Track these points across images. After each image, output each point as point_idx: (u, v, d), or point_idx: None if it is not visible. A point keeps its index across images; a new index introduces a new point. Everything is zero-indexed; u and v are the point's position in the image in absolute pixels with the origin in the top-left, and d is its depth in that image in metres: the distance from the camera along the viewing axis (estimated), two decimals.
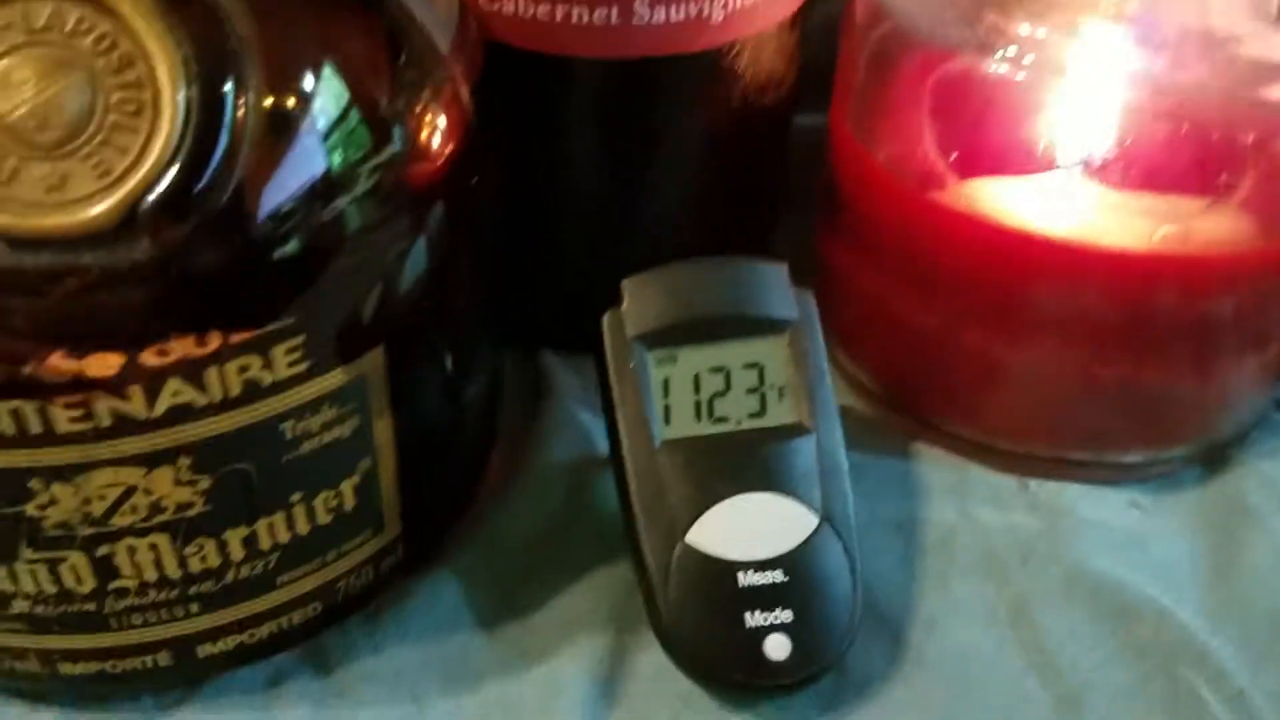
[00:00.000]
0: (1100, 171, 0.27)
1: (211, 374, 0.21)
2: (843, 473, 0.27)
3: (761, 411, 0.27)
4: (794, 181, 0.36)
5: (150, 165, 0.19)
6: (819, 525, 0.26)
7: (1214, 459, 0.31)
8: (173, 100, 0.19)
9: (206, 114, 0.19)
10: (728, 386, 0.27)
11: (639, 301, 0.27)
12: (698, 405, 0.27)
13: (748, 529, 0.26)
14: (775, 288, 0.28)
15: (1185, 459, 0.31)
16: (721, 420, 0.27)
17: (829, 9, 0.33)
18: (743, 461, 0.26)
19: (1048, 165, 0.27)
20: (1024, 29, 0.27)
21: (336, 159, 0.22)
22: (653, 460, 0.26)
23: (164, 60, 0.19)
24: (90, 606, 0.23)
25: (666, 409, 0.27)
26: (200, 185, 0.19)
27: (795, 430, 0.27)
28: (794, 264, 0.36)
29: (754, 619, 0.25)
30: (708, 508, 0.26)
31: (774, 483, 0.26)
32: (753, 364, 0.27)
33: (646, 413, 0.26)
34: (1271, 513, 0.30)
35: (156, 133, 0.19)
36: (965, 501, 0.30)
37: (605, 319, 0.27)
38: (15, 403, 0.20)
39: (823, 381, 0.27)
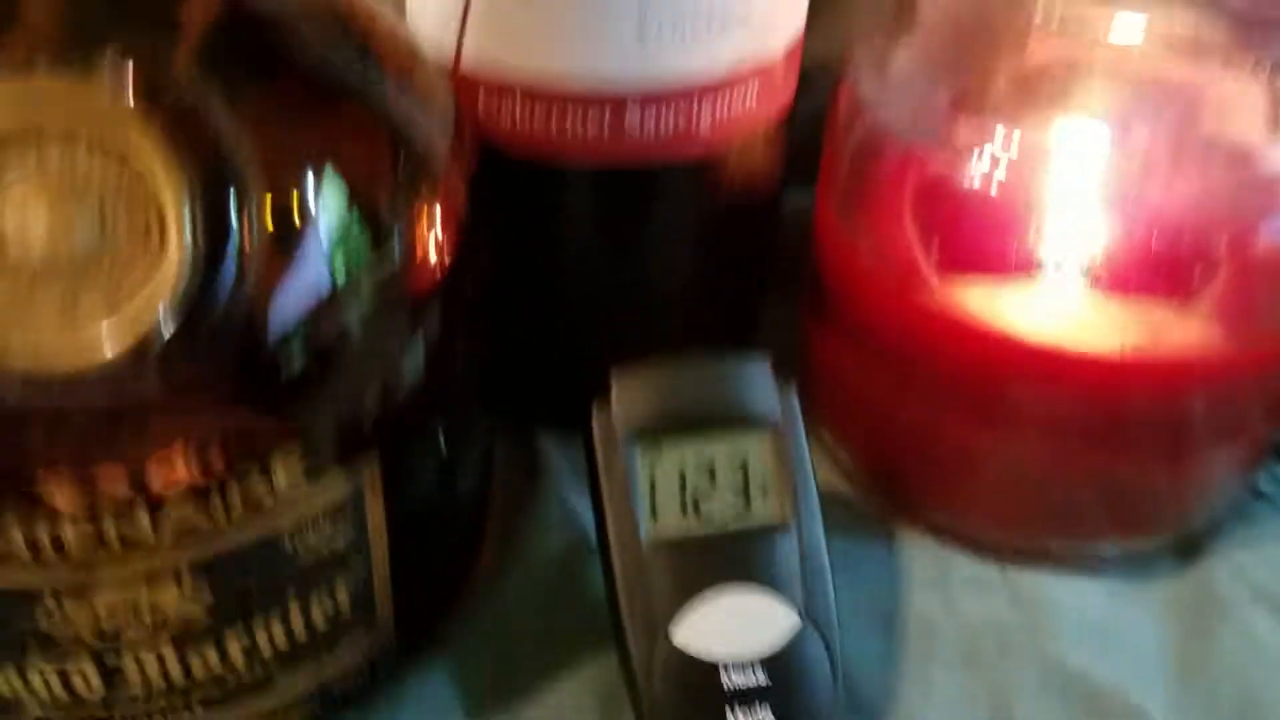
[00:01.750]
0: (1072, 276, 0.27)
1: (215, 498, 0.22)
2: (825, 571, 0.27)
3: (746, 510, 0.27)
4: (783, 257, 0.37)
5: (159, 293, 0.20)
6: (802, 626, 0.26)
7: (1188, 550, 0.32)
8: (179, 232, 0.20)
9: (212, 245, 0.20)
10: (713, 484, 0.28)
11: (626, 395, 0.28)
12: (683, 502, 0.27)
13: (731, 627, 0.26)
14: (760, 384, 0.28)
15: (1161, 549, 0.32)
16: (707, 519, 0.27)
17: (815, 100, 0.34)
18: (727, 559, 0.27)
19: (1022, 268, 0.28)
20: (998, 136, 0.27)
21: (339, 269, 0.22)
22: (638, 555, 0.27)
23: (168, 186, 0.20)
24: (99, 711, 0.24)
25: (653, 505, 0.27)
26: (207, 314, 0.20)
27: (779, 529, 0.27)
28: (781, 343, 0.37)
29: (736, 718, 0.25)
30: (691, 606, 0.26)
31: (758, 581, 0.27)
32: (738, 462, 0.28)
33: (633, 506, 0.27)
34: (1242, 604, 0.31)
35: (164, 259, 0.20)
36: (948, 590, 0.31)
37: (594, 410, 0.28)
38: (29, 527, 0.21)
39: (806, 479, 0.28)
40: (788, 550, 0.27)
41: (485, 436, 0.31)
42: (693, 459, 0.28)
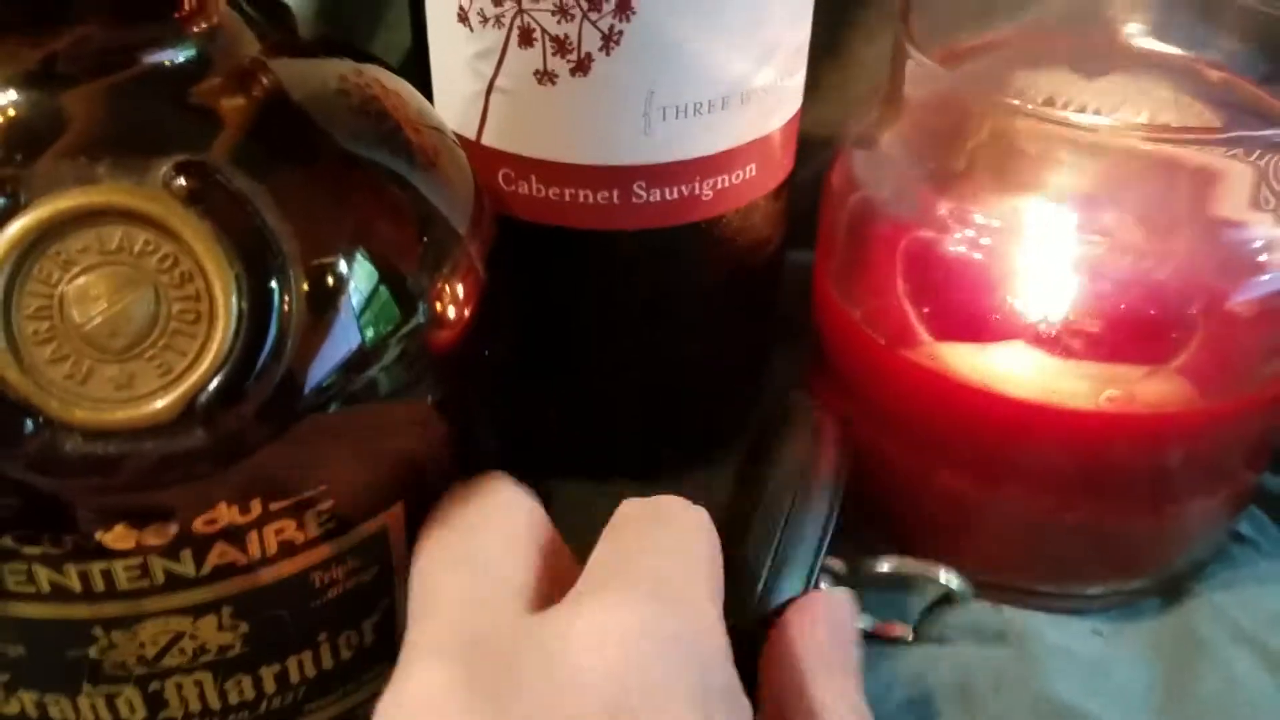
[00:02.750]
0: (1049, 341, 0.29)
1: (252, 537, 0.24)
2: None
3: None
4: (788, 313, 0.39)
5: (206, 366, 0.22)
6: None
7: (1172, 590, 0.34)
8: (226, 309, 0.22)
9: (256, 319, 0.22)
10: None
11: None
12: None
13: None
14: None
15: (1145, 591, 0.33)
16: None
17: (814, 171, 0.36)
18: None
19: (1005, 331, 0.30)
20: (978, 218, 0.29)
21: (369, 335, 0.24)
22: None
23: (219, 276, 0.22)
24: None
25: None
26: (250, 380, 0.22)
27: None
28: (787, 389, 0.39)
29: None
30: None
31: None
32: None
33: None
34: (1223, 644, 0.32)
35: (212, 338, 0.22)
36: (944, 630, 0.33)
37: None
38: (83, 565, 0.23)
39: None
40: None
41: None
42: None
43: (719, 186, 0.31)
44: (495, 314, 0.28)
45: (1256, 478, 0.34)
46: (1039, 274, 0.29)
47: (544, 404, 0.35)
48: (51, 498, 0.22)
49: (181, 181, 0.22)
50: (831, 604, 0.26)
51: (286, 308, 0.23)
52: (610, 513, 0.36)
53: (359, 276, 0.25)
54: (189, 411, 0.22)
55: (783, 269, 0.37)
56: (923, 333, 0.31)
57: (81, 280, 0.22)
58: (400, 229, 0.27)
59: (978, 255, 0.30)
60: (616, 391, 0.35)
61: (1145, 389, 0.29)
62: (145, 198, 0.22)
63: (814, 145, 0.35)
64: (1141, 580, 0.33)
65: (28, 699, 0.25)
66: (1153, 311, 0.29)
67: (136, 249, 0.22)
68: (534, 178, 0.30)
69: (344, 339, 0.24)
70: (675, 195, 0.30)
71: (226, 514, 0.23)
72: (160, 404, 0.22)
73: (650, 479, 0.33)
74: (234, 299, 0.22)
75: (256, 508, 0.24)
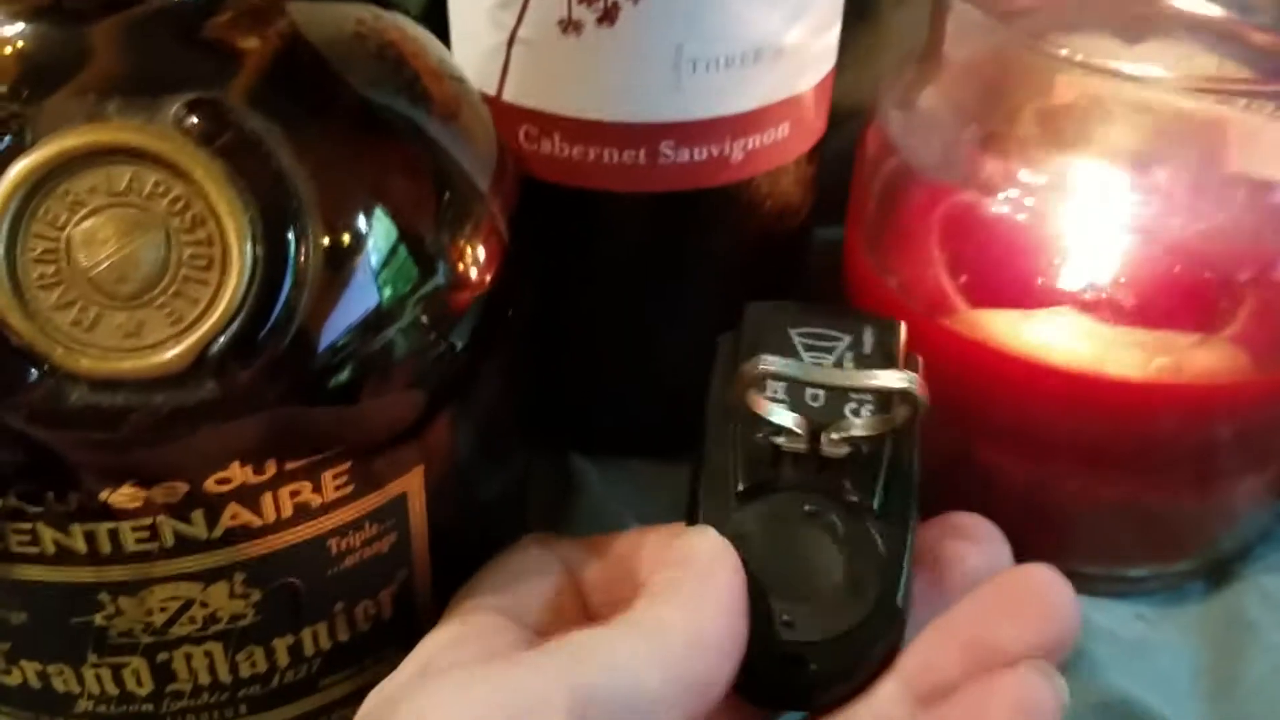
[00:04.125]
0: (1096, 306, 0.28)
1: (266, 499, 0.23)
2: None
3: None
4: (816, 291, 0.38)
5: (219, 314, 0.21)
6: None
7: (1218, 573, 0.33)
8: (240, 255, 0.21)
9: (270, 266, 0.21)
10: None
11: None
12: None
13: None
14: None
15: (1190, 573, 0.32)
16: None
17: (846, 139, 0.35)
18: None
19: (1049, 297, 0.29)
20: (1023, 175, 0.28)
21: (387, 293, 0.23)
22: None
23: (232, 220, 0.21)
24: (148, 707, 0.25)
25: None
26: (264, 331, 0.21)
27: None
28: None
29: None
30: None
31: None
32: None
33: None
34: (1272, 627, 0.31)
35: (225, 285, 0.21)
36: None
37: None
38: (89, 525, 0.22)
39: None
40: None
41: (524, 451, 0.32)
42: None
43: (749, 148, 0.30)
44: (517, 278, 0.27)
45: None
46: (1086, 236, 0.28)
47: (564, 374, 0.34)
48: (55, 452, 0.21)
49: (194, 120, 0.21)
50: None
51: (303, 256, 0.22)
52: (634, 492, 0.35)
53: (377, 232, 0.24)
54: (200, 362, 0.21)
55: (811, 241, 0.36)
56: (961, 301, 0.30)
57: (89, 222, 0.21)
58: (419, 184, 0.26)
59: (1022, 216, 0.28)
60: (638, 362, 0.34)
61: (1195, 358, 0.28)
62: (156, 136, 0.21)
63: (841, 115, 0.34)
64: (1186, 562, 0.32)
65: (29, 669, 0.24)
66: (1205, 276, 0.27)
67: (146, 191, 0.21)
68: (557, 136, 0.29)
69: (361, 297, 0.23)
70: (704, 156, 0.29)
71: (240, 473, 0.22)
72: (170, 354, 0.21)
73: (671, 455, 0.32)
74: (248, 245, 0.21)
75: (271, 468, 0.22)
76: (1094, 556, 0.32)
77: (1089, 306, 0.28)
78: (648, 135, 0.29)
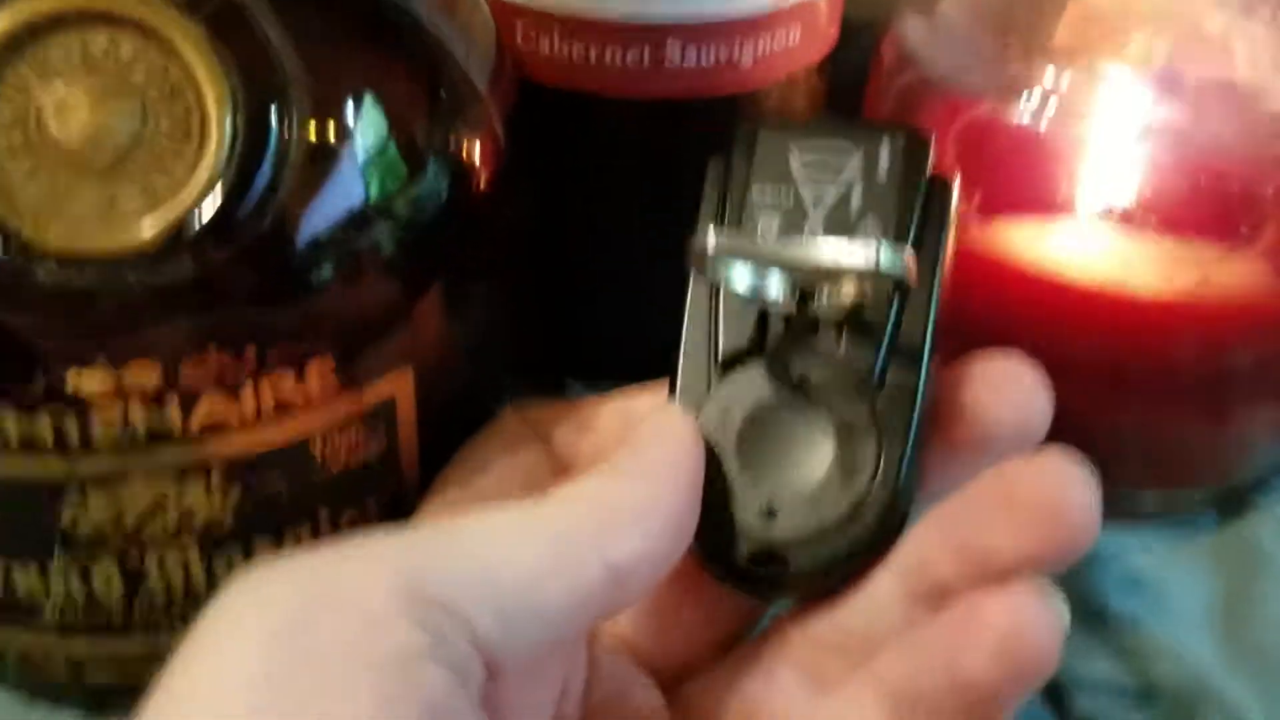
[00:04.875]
0: (1121, 218, 0.27)
1: (246, 390, 0.22)
2: None
3: None
4: None
5: (195, 189, 0.20)
6: None
7: (1231, 504, 0.32)
8: (219, 127, 0.20)
9: (251, 142, 0.20)
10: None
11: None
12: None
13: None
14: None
15: (1203, 503, 0.31)
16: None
17: (857, 53, 0.33)
18: None
19: (1070, 210, 0.28)
20: (1048, 77, 0.27)
21: (374, 188, 0.22)
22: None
23: (212, 89, 0.20)
24: (119, 614, 0.24)
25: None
26: (243, 210, 0.20)
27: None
28: None
29: None
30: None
31: None
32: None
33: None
34: None
35: (203, 158, 0.20)
36: None
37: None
38: (56, 412, 0.21)
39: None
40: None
41: (519, 374, 0.31)
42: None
43: (760, 53, 0.29)
44: (512, 183, 0.26)
45: None
46: (1110, 145, 0.27)
47: (558, 293, 0.33)
48: (22, 333, 0.20)
49: None
50: None
51: (286, 133, 0.21)
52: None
53: (366, 122, 0.22)
54: (175, 240, 0.20)
55: None
56: (978, 215, 0.29)
57: (61, 90, 0.20)
58: (414, 76, 0.24)
59: (1044, 125, 0.27)
60: (635, 281, 0.32)
61: (1221, 273, 0.27)
62: (133, 1, 0.20)
63: (852, 29, 0.33)
64: (1199, 491, 0.31)
65: None
66: (1232, 188, 0.26)
67: (122, 58, 0.20)
68: (555, 34, 0.28)
69: (348, 187, 0.22)
70: (712, 60, 0.28)
71: (217, 361, 0.21)
72: (144, 230, 0.20)
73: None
74: (228, 116, 0.20)
75: (251, 356, 0.21)
76: (1105, 483, 0.30)
77: (1111, 218, 0.27)
78: (652, 35, 0.28)
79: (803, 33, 0.29)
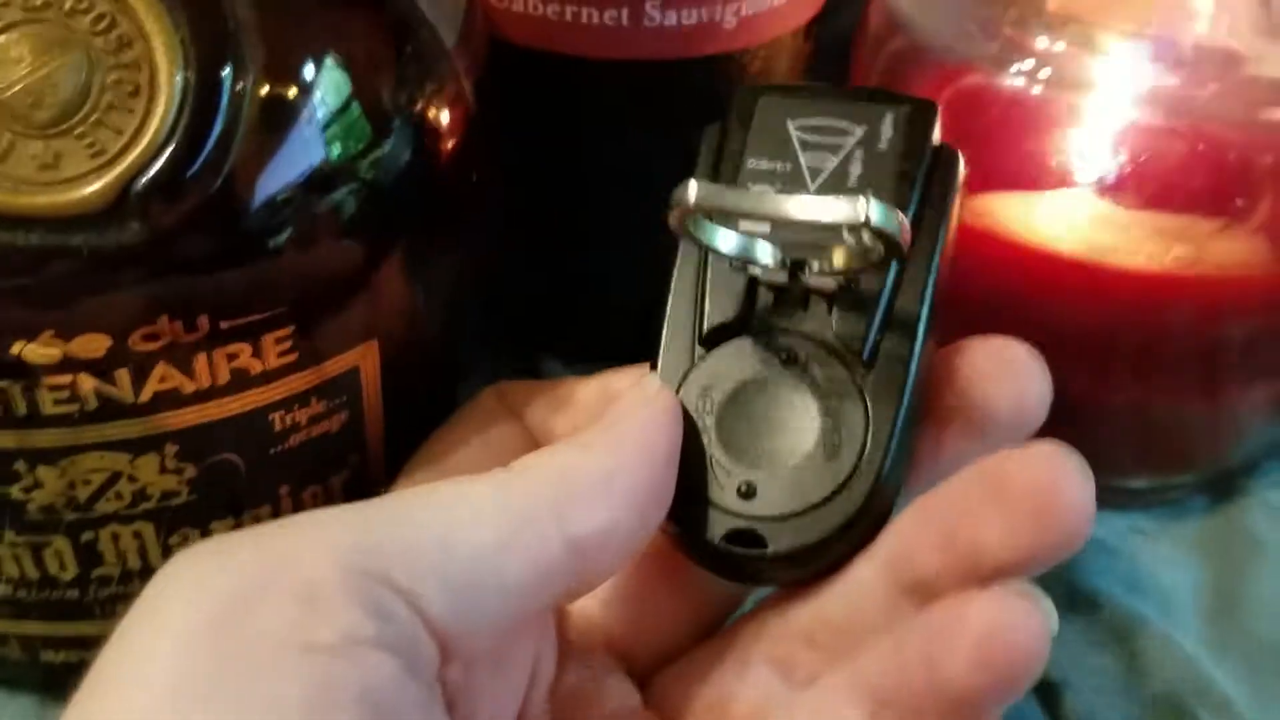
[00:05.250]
0: (1114, 189, 0.26)
1: (200, 360, 0.21)
2: None
3: None
4: None
5: (144, 147, 0.19)
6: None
7: (1221, 488, 0.31)
8: (169, 82, 0.19)
9: (203, 97, 0.19)
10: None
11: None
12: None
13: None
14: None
15: (1192, 487, 0.31)
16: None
17: (842, 22, 0.32)
18: None
19: (1062, 182, 0.27)
20: (1041, 43, 0.26)
21: (335, 150, 0.21)
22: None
23: (162, 42, 0.19)
24: (73, 593, 0.23)
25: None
26: (194, 169, 0.19)
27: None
28: None
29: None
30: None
31: None
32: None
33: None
34: (1278, 544, 0.29)
35: (151, 114, 0.19)
36: None
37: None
38: (2, 383, 0.20)
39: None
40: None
41: (489, 348, 0.30)
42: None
43: (743, 13, 0.27)
44: (481, 146, 0.25)
45: None
46: (1104, 113, 0.26)
47: (534, 266, 0.32)
48: None
49: None
50: None
51: (239, 88, 0.20)
52: None
53: (326, 81, 0.21)
54: (123, 199, 0.19)
55: None
56: (966, 185, 0.28)
57: (2, 39, 0.19)
58: (376, 33, 0.23)
59: (1036, 91, 0.26)
60: (607, 249, 0.32)
61: (1216, 248, 0.26)
62: None
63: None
64: (1189, 475, 0.30)
65: None
66: (1228, 159, 0.25)
67: (67, 6, 0.19)
68: None
69: (305, 148, 0.21)
70: (693, 20, 0.27)
71: (169, 329, 0.20)
72: (90, 189, 0.19)
73: (642, 355, 0.30)
74: (178, 70, 0.19)
75: (204, 324, 0.20)
76: (1093, 465, 0.30)
77: (1105, 190, 0.26)
78: None
79: None
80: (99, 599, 0.23)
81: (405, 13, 0.24)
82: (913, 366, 0.20)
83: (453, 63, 0.25)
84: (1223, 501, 0.31)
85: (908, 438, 0.20)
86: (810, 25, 0.30)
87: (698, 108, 0.29)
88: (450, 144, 0.24)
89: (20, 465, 0.21)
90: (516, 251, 0.30)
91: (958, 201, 0.22)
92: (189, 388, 0.21)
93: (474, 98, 0.25)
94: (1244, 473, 0.31)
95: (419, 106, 0.23)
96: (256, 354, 0.21)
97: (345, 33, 0.22)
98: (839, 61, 0.32)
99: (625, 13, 0.27)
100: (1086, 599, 0.28)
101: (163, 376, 0.20)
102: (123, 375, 0.20)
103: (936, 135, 0.22)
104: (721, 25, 0.27)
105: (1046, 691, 0.26)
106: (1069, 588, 0.28)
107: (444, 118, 0.24)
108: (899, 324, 0.21)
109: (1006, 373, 0.21)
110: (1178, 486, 0.31)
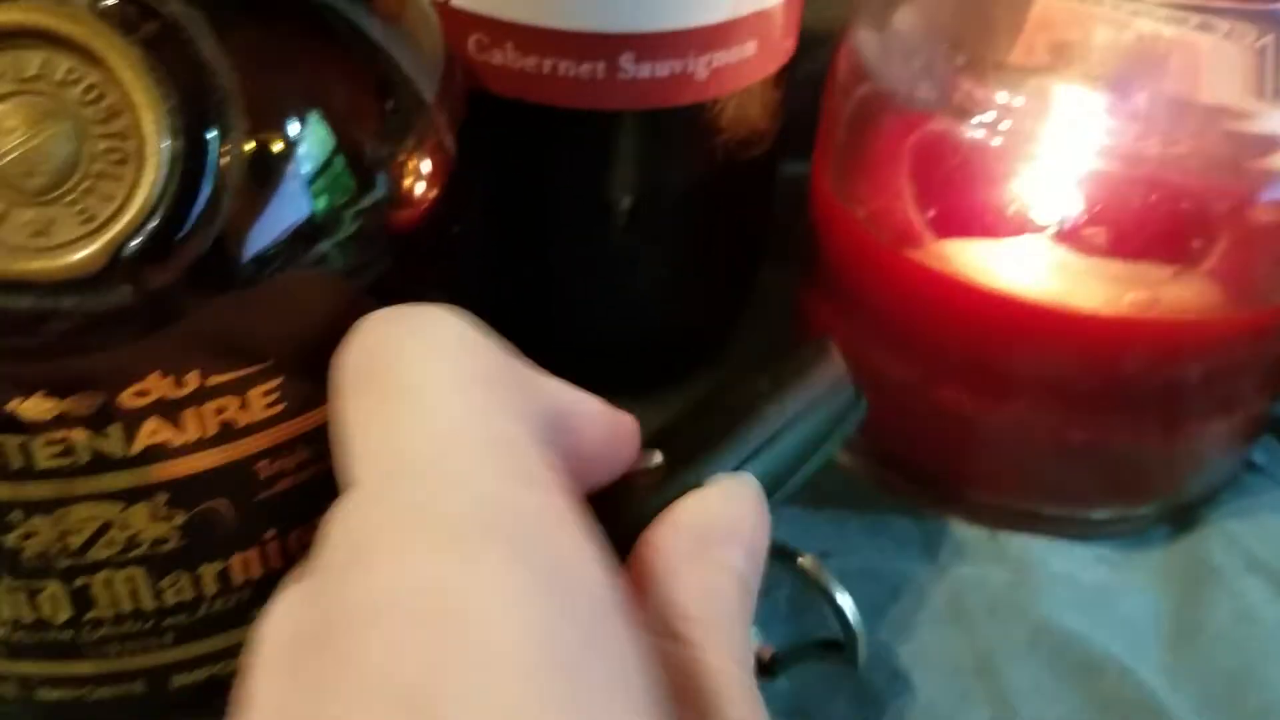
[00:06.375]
0: (1071, 236, 0.27)
1: (189, 414, 0.21)
2: None
3: None
4: (779, 228, 0.37)
5: (134, 213, 0.20)
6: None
7: (1182, 518, 0.32)
8: (157, 150, 0.20)
9: (190, 163, 0.20)
10: None
11: None
12: None
13: None
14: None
15: (1154, 517, 0.32)
16: None
17: (816, 64, 0.33)
18: None
19: (1021, 228, 0.28)
20: (1000, 96, 0.27)
21: (321, 204, 0.22)
22: None
23: (149, 111, 0.20)
24: (67, 635, 0.24)
25: None
26: (183, 232, 0.20)
27: None
28: (774, 310, 0.37)
29: None
30: None
31: None
32: None
33: None
34: (1236, 574, 0.30)
35: (140, 181, 0.20)
36: (936, 552, 0.31)
37: None
38: None
39: None
40: None
41: None
42: None
43: (715, 64, 0.28)
44: (462, 196, 0.26)
45: (1272, 405, 0.32)
46: (1062, 162, 0.27)
47: (509, 304, 0.32)
48: None
49: (110, 2, 0.20)
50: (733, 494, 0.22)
51: (226, 154, 0.20)
52: None
53: (310, 137, 0.22)
54: (113, 264, 0.20)
55: (776, 173, 0.35)
56: (930, 232, 0.29)
57: None
58: (358, 89, 0.24)
59: (996, 142, 0.27)
60: (589, 294, 0.32)
61: (1171, 293, 0.27)
62: (69, 19, 0.19)
63: (809, 41, 0.33)
64: (1150, 506, 0.31)
65: None
66: (1182, 206, 0.26)
67: (58, 77, 0.20)
68: (510, 45, 0.28)
69: (291, 205, 0.22)
70: (667, 72, 0.28)
71: (159, 386, 0.21)
72: (81, 254, 0.20)
73: (629, 391, 0.31)
74: (166, 139, 0.20)
75: (193, 381, 0.21)
76: (1057, 497, 0.31)
77: (1062, 237, 0.27)
78: (607, 47, 0.27)
79: (759, 45, 0.29)
80: (92, 640, 0.24)
81: (386, 69, 0.24)
82: None
83: (433, 115, 0.25)
84: (1183, 531, 0.32)
85: None
86: (780, 73, 0.31)
87: (672, 155, 0.31)
88: (431, 194, 0.25)
89: (15, 515, 0.22)
90: (496, 295, 0.31)
91: None
92: (178, 440, 0.22)
93: (454, 148, 0.26)
94: (1203, 503, 0.32)
95: (400, 159, 0.24)
96: (244, 406, 0.22)
97: (328, 90, 0.23)
98: (811, 106, 0.33)
99: (601, 66, 0.28)
100: (1050, 627, 0.29)
101: (153, 430, 0.21)
102: (115, 430, 0.21)
103: None
104: (694, 77, 0.28)
105: (1007, 718, 0.27)
106: (1033, 615, 0.29)
107: (425, 168, 0.25)
108: None
109: None
110: (1139, 517, 0.31)
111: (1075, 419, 0.29)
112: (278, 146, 0.21)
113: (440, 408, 0.19)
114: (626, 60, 0.28)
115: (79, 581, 0.23)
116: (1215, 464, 0.31)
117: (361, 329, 0.20)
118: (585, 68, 0.28)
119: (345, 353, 0.20)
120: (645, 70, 0.28)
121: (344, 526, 0.18)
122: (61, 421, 0.21)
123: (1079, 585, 0.30)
